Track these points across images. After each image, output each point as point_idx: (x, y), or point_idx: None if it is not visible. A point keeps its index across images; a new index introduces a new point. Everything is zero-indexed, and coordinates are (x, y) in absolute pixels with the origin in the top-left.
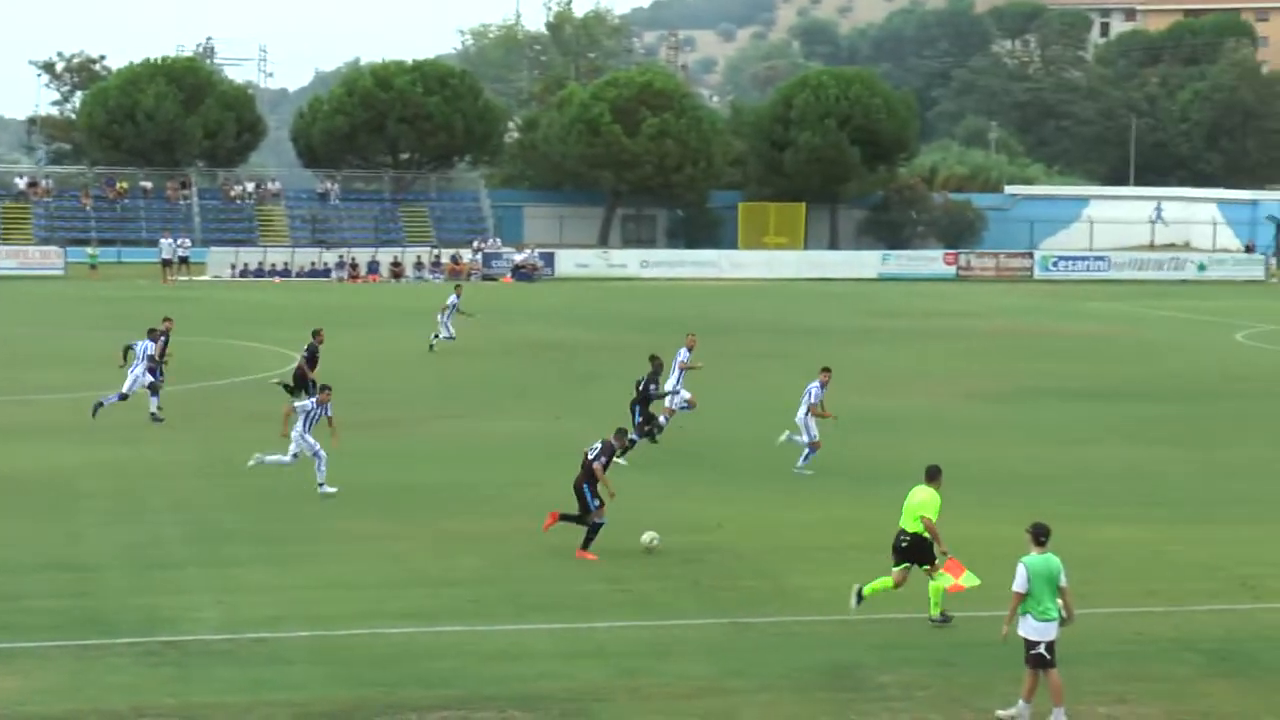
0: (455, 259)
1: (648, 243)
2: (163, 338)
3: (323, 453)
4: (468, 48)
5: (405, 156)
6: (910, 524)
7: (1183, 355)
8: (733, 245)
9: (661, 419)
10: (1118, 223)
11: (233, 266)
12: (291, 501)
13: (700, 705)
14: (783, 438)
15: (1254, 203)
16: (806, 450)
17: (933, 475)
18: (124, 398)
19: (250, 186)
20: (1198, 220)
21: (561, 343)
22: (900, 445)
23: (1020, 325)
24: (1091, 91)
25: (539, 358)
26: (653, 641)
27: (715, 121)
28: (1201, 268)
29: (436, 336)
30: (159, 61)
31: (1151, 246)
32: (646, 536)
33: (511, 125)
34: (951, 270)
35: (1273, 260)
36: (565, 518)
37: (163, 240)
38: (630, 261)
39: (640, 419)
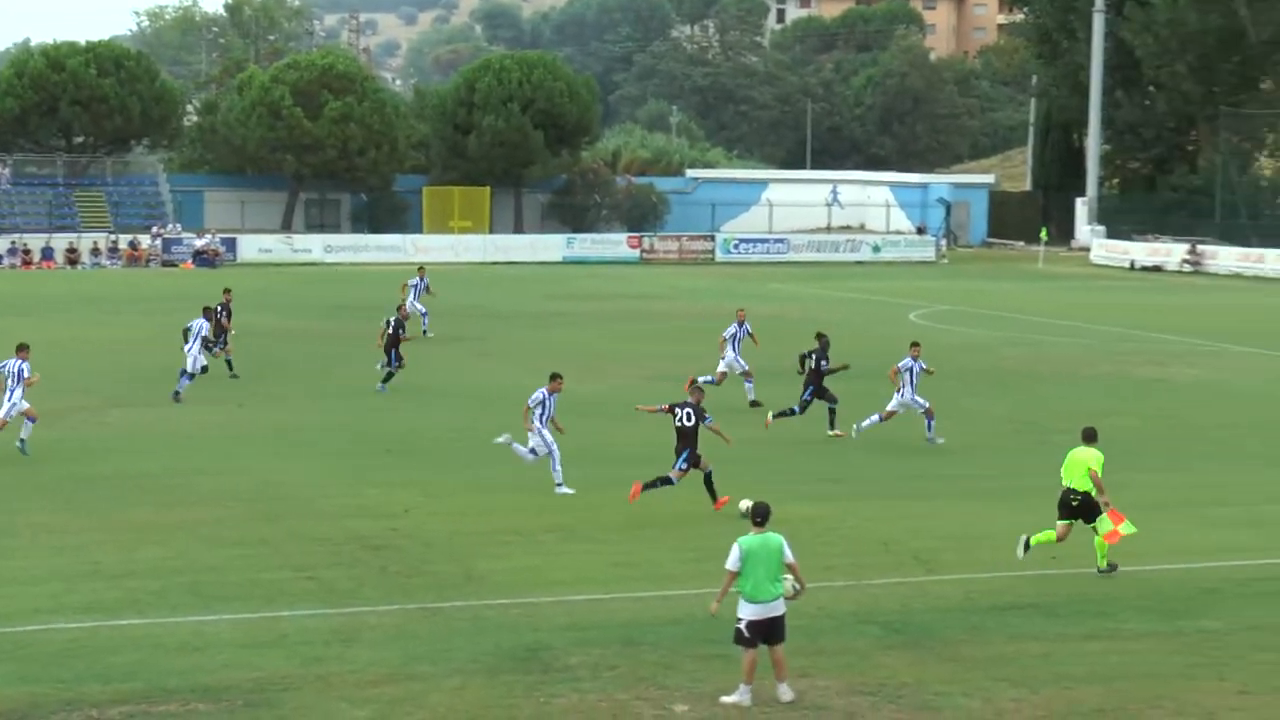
0: (134, 245)
1: (332, 227)
2: (221, 310)
3: (555, 449)
4: (143, 29)
5: (80, 140)
6: (1079, 482)
7: (859, 336)
8: (418, 230)
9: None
10: (796, 205)
11: None
12: None
13: (387, 691)
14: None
15: (924, 186)
16: (926, 420)
17: (1090, 437)
18: (191, 377)
19: None
20: (872, 203)
21: (245, 329)
22: (592, 429)
23: (703, 307)
24: (769, 77)
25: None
26: (339, 629)
27: (398, 105)
28: (876, 249)
29: (425, 322)
30: None
31: (828, 229)
32: (743, 505)
33: (190, 109)
34: (635, 253)
35: (943, 242)
36: (649, 486)
37: None
38: (314, 246)
39: (809, 396)
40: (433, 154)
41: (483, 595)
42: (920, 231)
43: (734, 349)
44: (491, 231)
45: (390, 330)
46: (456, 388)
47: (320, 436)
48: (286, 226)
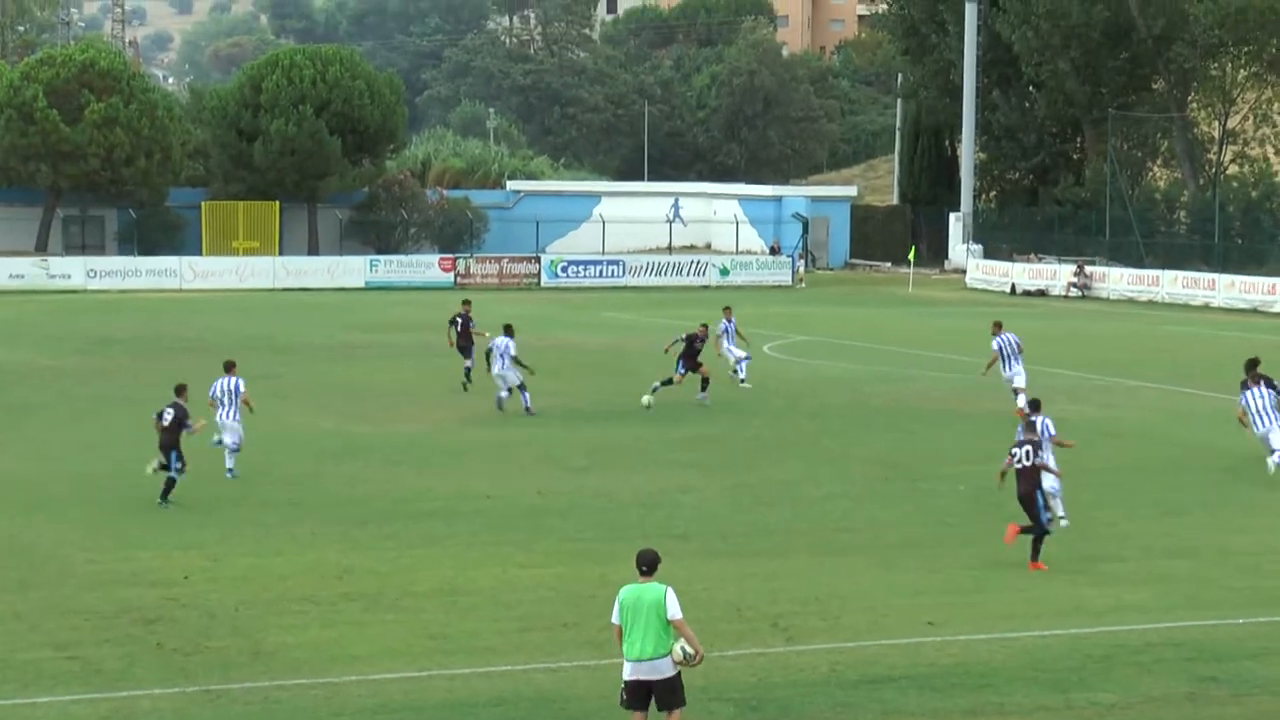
0: None
1: (95, 248)
2: (460, 319)
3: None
4: None
5: None
6: None
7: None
8: (197, 251)
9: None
10: (632, 222)
11: None
12: None
13: None
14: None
15: (778, 199)
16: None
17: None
18: (521, 389)
19: None
20: (719, 219)
21: None
22: (397, 478)
23: (527, 339)
24: (599, 75)
25: None
26: (108, 718)
27: (172, 107)
28: (724, 272)
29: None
30: None
31: (669, 249)
32: None
33: None
34: (449, 277)
35: (799, 263)
36: (1025, 530)
37: None
38: (74, 270)
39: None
40: (213, 164)
41: (274, 674)
42: (774, 251)
43: (729, 341)
44: (282, 253)
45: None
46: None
47: (79, 491)
48: (41, 248)
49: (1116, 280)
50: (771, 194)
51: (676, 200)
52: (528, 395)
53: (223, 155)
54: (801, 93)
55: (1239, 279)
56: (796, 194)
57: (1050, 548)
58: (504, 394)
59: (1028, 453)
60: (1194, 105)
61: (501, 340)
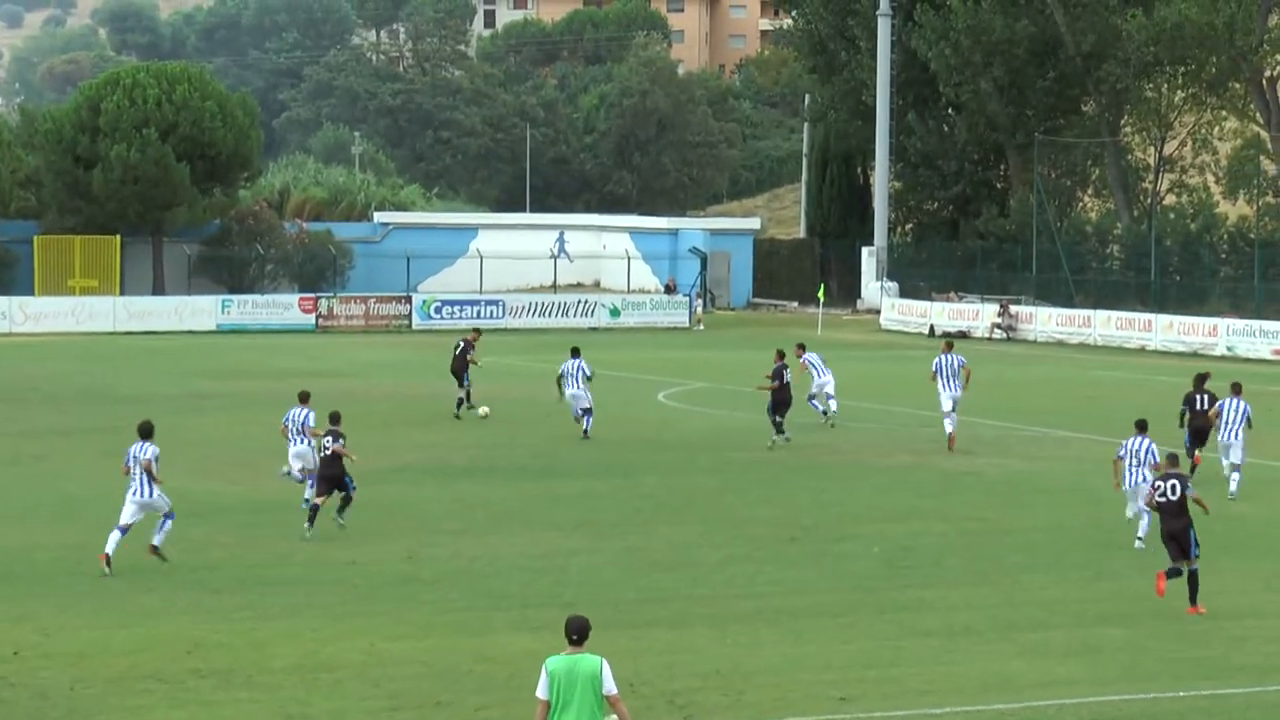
0: None
1: None
2: (462, 344)
3: None
4: None
5: None
6: None
7: (597, 421)
8: (29, 290)
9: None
10: (513, 258)
11: None
12: None
13: None
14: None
15: (674, 232)
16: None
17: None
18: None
19: None
20: (609, 254)
21: None
22: (253, 542)
23: (399, 388)
24: (476, 95)
25: None
26: None
27: (0, 132)
28: (615, 313)
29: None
30: None
31: (554, 287)
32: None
33: None
34: (310, 319)
35: (698, 303)
36: (1173, 573)
37: None
38: None
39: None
40: (46, 194)
41: None
42: (669, 290)
43: (821, 374)
44: (123, 292)
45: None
46: (77, 494)
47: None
48: None
49: (1044, 321)
50: (667, 227)
51: (562, 234)
52: (590, 420)
53: (57, 184)
54: (699, 115)
55: (1177, 319)
56: (694, 226)
57: (972, 615)
58: (579, 412)
59: (1173, 486)
60: (1127, 129)
61: (572, 362)
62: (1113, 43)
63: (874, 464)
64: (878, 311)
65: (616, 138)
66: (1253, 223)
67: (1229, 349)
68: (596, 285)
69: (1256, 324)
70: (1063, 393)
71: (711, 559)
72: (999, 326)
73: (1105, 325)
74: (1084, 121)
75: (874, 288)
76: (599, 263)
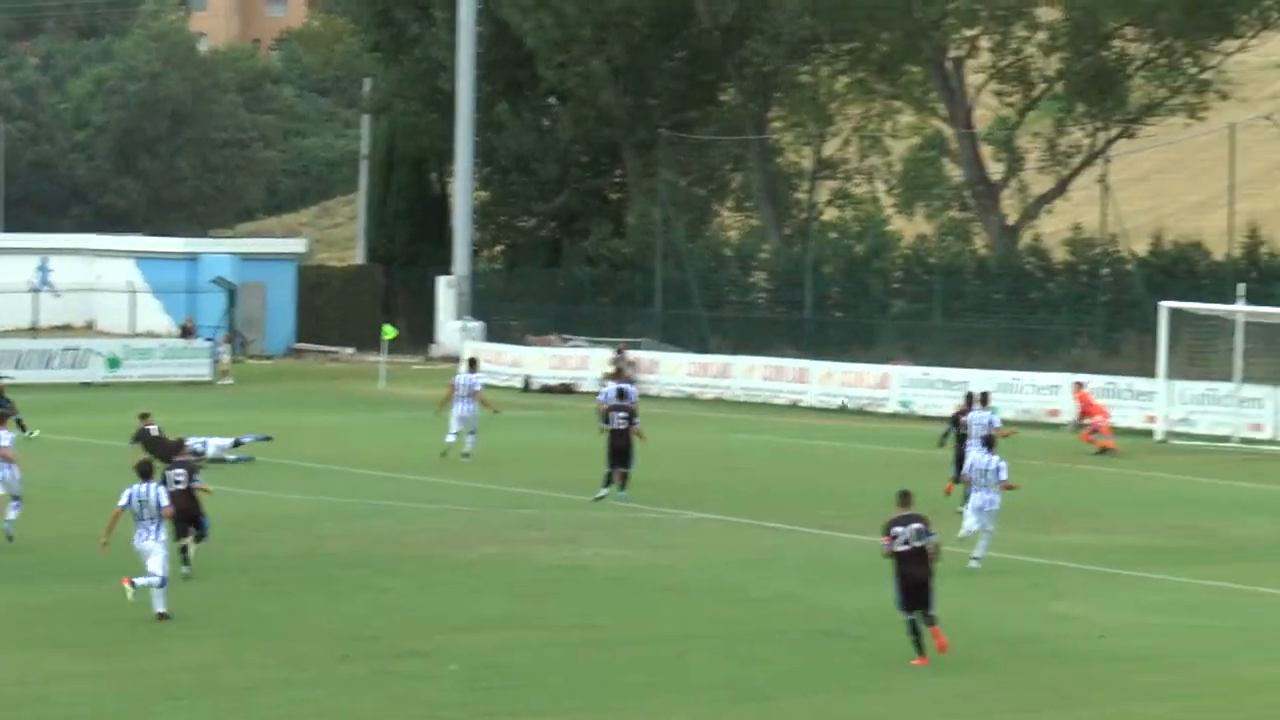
0: None
1: None
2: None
3: None
4: None
5: None
6: None
7: (65, 515)
8: None
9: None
10: None
11: None
12: None
13: None
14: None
15: (193, 257)
16: None
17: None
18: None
19: None
20: (106, 287)
21: None
22: None
23: None
24: None
25: None
26: None
27: None
28: (114, 363)
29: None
30: None
31: (34, 330)
32: None
33: None
34: None
35: (223, 349)
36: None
37: None
38: None
39: None
40: None
41: None
42: (186, 333)
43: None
44: None
45: None
46: None
47: None
48: None
49: (672, 370)
50: (184, 250)
51: (45, 260)
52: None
53: None
54: (226, 105)
55: (838, 368)
56: (220, 250)
57: None
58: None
59: (916, 531)
60: (778, 124)
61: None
62: (759, 13)
63: (451, 557)
64: (457, 359)
65: (118, 134)
66: (933, 244)
67: (903, 404)
68: (90, 327)
69: (937, 373)
70: (694, 462)
71: (238, 684)
72: (610, 377)
73: (748, 375)
74: (723, 114)
75: (453, 328)
76: (93, 297)
